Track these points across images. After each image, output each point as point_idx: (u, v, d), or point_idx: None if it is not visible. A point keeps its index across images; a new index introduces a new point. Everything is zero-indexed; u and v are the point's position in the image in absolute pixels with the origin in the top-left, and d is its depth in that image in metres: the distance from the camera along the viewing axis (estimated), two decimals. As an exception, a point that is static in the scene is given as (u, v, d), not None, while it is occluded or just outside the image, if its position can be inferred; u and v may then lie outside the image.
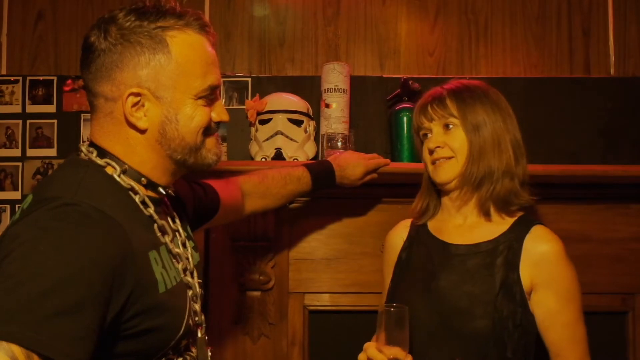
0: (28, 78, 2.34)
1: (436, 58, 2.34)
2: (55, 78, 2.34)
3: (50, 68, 2.36)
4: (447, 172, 1.49)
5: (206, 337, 1.28)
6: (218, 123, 1.24)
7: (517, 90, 2.27)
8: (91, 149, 1.17)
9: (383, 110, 2.26)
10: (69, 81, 2.33)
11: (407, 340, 1.36)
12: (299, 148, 2.08)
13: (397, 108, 2.11)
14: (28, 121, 2.33)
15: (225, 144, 2.26)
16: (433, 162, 1.52)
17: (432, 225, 1.59)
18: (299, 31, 2.35)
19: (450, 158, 1.49)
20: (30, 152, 2.32)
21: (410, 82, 2.10)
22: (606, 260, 2.05)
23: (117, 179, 1.15)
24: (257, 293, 2.04)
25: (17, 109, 2.34)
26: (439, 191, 1.59)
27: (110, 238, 1.03)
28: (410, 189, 1.67)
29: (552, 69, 2.33)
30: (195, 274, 1.27)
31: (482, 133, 1.47)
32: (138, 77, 1.14)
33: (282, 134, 2.06)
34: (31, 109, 2.33)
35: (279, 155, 2.05)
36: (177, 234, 1.27)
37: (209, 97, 1.20)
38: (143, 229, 1.15)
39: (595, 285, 2.04)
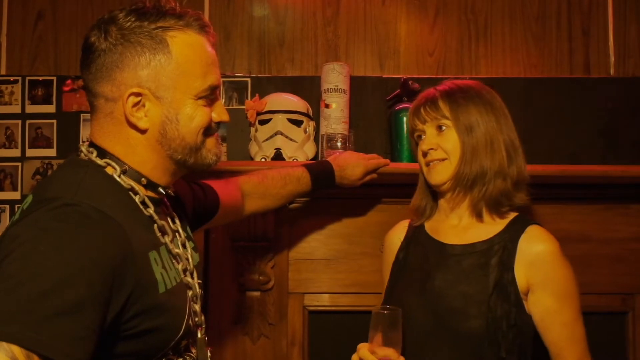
0: (28, 78, 2.34)
1: (436, 58, 2.34)
2: (54, 78, 2.34)
3: (50, 68, 2.35)
4: (440, 174, 1.50)
5: (206, 338, 1.28)
6: (218, 123, 1.24)
7: (517, 90, 2.27)
8: (91, 149, 1.17)
9: (383, 110, 2.26)
10: (69, 81, 2.33)
11: (400, 342, 1.36)
12: (299, 148, 2.08)
13: (396, 108, 2.11)
14: (27, 121, 2.33)
15: (225, 144, 2.25)
16: (427, 164, 1.52)
17: (429, 226, 1.59)
18: (298, 31, 2.35)
19: (443, 160, 1.49)
20: (30, 153, 2.32)
21: (410, 82, 2.10)
22: (606, 260, 2.05)
23: (117, 179, 1.15)
24: (256, 293, 2.04)
25: (16, 109, 2.34)
26: (434, 192, 1.59)
27: (110, 238, 1.03)
28: (410, 189, 1.67)
29: (552, 69, 2.33)
30: (195, 274, 1.27)
31: (475, 134, 1.47)
32: (138, 77, 1.14)
33: (281, 134, 2.06)
34: (31, 109, 2.33)
35: (278, 156, 2.05)
36: (177, 234, 1.27)
37: (209, 97, 1.20)
38: (143, 229, 1.15)
39: (595, 285, 2.04)
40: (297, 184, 1.77)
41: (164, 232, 1.20)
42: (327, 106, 2.14)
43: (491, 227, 1.49)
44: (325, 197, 1.97)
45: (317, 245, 2.07)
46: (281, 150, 2.05)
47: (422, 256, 1.55)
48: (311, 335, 2.07)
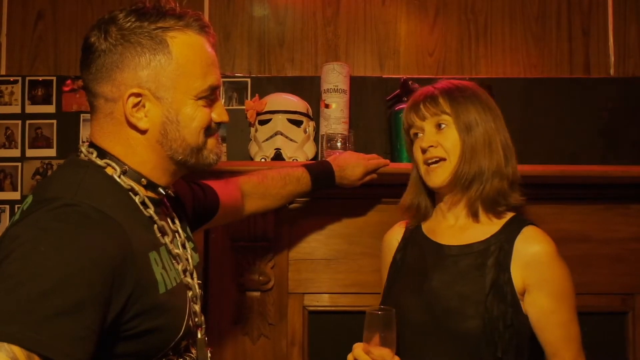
0: (27, 78, 2.34)
1: (436, 58, 2.34)
2: (54, 78, 2.34)
3: (50, 68, 2.35)
4: (440, 176, 1.49)
5: (206, 338, 1.29)
6: (219, 123, 1.24)
7: (517, 90, 2.27)
8: (91, 149, 1.17)
9: (383, 110, 2.26)
10: (69, 81, 2.33)
11: (394, 342, 1.36)
12: (299, 148, 2.08)
13: (396, 108, 2.11)
14: (27, 121, 2.33)
15: (224, 144, 2.25)
16: (425, 162, 1.51)
17: (426, 227, 1.59)
18: (298, 31, 2.35)
19: (442, 160, 1.48)
20: (30, 153, 2.32)
21: (410, 83, 2.10)
22: (606, 260, 2.05)
23: (117, 179, 1.15)
24: (256, 293, 2.04)
25: (16, 109, 2.34)
26: (430, 192, 1.59)
27: (110, 238, 1.03)
28: (410, 189, 1.66)
29: (552, 69, 2.33)
30: (194, 274, 1.27)
31: (474, 133, 1.47)
32: (138, 77, 1.14)
33: (281, 134, 2.06)
34: (30, 109, 2.33)
35: (278, 156, 2.05)
36: (176, 234, 1.27)
37: (209, 97, 1.20)
38: (143, 229, 1.15)
39: (595, 285, 2.04)
40: (297, 184, 1.77)
41: (164, 233, 1.20)
42: (327, 106, 2.14)
43: (488, 227, 1.49)
44: (325, 197, 1.97)
45: (317, 245, 2.07)
46: (281, 151, 2.05)
47: (419, 257, 1.55)
48: (311, 335, 2.07)
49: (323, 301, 2.07)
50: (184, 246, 1.28)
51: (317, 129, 2.17)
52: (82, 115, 2.31)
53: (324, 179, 1.82)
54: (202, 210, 1.54)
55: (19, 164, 2.32)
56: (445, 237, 1.52)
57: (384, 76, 2.31)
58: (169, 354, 1.16)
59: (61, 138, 2.31)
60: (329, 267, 2.07)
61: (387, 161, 1.92)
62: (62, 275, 0.95)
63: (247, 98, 2.28)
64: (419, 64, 2.34)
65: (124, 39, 1.13)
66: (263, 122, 2.10)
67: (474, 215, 1.50)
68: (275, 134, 2.07)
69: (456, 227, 1.52)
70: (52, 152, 2.32)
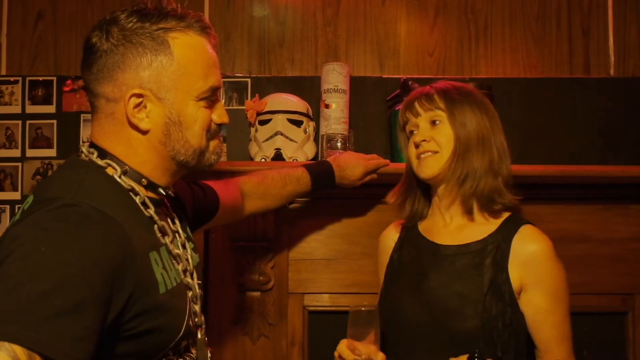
0: (28, 78, 2.34)
1: (436, 58, 2.34)
2: (54, 78, 2.34)
3: (50, 68, 2.35)
4: (431, 167, 1.49)
5: (206, 338, 1.29)
6: (220, 125, 1.24)
7: (517, 90, 2.27)
8: (92, 149, 1.17)
9: (383, 110, 2.26)
10: (69, 81, 2.33)
11: (379, 339, 1.36)
12: (299, 148, 2.08)
13: (396, 108, 2.11)
14: (28, 121, 2.33)
15: (225, 145, 2.25)
16: (418, 157, 1.51)
17: (423, 226, 1.59)
18: (298, 31, 2.35)
19: (435, 153, 1.48)
20: (30, 153, 2.32)
21: (410, 83, 2.10)
22: (606, 260, 2.05)
23: (118, 179, 1.15)
24: (256, 293, 2.04)
25: (16, 109, 2.34)
26: (427, 193, 1.59)
27: (111, 238, 1.04)
28: (410, 189, 1.67)
29: (552, 70, 2.33)
30: (194, 275, 1.28)
31: (468, 129, 1.47)
32: (140, 78, 1.14)
33: (281, 134, 2.06)
34: (31, 109, 2.33)
35: (278, 156, 2.05)
36: (177, 235, 1.27)
37: (210, 98, 1.20)
38: (143, 229, 1.16)
39: (595, 285, 2.04)
40: (297, 185, 1.77)
41: (164, 233, 1.21)
42: (327, 106, 2.14)
43: (485, 227, 1.49)
44: (325, 197, 1.97)
45: (317, 245, 2.08)
46: (281, 151, 2.06)
47: (416, 257, 1.55)
48: (311, 335, 2.07)
49: (323, 301, 2.07)
50: (184, 246, 1.28)
51: (317, 129, 2.17)
52: (82, 115, 2.31)
53: (324, 179, 1.82)
54: (202, 211, 1.54)
55: (19, 164, 2.32)
56: (442, 237, 1.53)
57: (384, 76, 2.31)
58: (169, 354, 1.16)
59: (61, 138, 2.31)
60: (329, 267, 2.07)
61: (387, 161, 1.92)
62: (62, 275, 0.95)
63: (247, 98, 2.28)
64: (419, 64, 2.34)
65: (126, 40, 1.13)
66: (263, 122, 2.10)
67: (469, 213, 1.50)
68: (276, 134, 2.07)
69: (453, 227, 1.53)
70: (52, 152, 2.32)
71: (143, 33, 1.14)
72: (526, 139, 2.23)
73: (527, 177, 1.85)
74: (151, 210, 1.18)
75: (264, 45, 2.35)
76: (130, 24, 1.14)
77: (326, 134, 2.07)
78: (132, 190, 1.16)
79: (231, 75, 2.32)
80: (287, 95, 2.17)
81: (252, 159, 2.13)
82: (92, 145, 1.19)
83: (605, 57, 2.33)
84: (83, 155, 1.18)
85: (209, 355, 1.29)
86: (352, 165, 1.84)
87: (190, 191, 1.51)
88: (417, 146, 1.51)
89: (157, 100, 1.15)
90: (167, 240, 1.21)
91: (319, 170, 1.82)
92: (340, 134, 2.06)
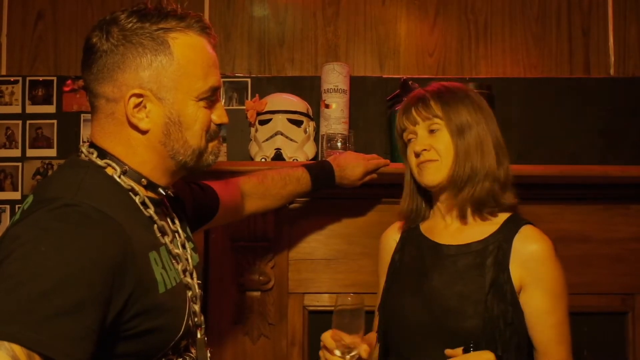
0: (28, 78, 2.34)
1: (436, 58, 2.34)
2: (55, 78, 2.34)
3: (50, 68, 2.36)
4: (432, 174, 1.50)
5: (206, 338, 1.29)
6: (219, 126, 1.24)
7: (517, 90, 2.27)
8: (92, 149, 1.18)
9: (383, 110, 2.26)
10: (69, 81, 2.33)
11: (363, 329, 1.36)
12: (299, 148, 2.08)
13: (396, 108, 2.10)
14: (28, 121, 2.33)
15: (225, 145, 2.26)
16: (418, 165, 1.52)
17: (424, 226, 1.60)
18: (298, 31, 2.35)
19: (435, 161, 1.49)
20: (30, 153, 2.32)
21: (410, 83, 2.10)
22: (606, 260, 2.05)
23: (118, 179, 1.15)
24: (256, 293, 2.04)
25: (16, 109, 2.34)
26: (426, 195, 1.59)
27: (111, 238, 1.04)
28: (410, 189, 1.66)
29: (552, 70, 2.33)
30: (194, 274, 1.28)
31: (466, 135, 1.48)
32: (140, 78, 1.14)
33: (281, 134, 2.06)
34: (31, 109, 2.34)
35: (278, 156, 2.05)
36: (176, 234, 1.27)
37: (210, 98, 1.20)
38: (143, 229, 1.16)
39: (595, 285, 2.04)
40: (297, 184, 1.77)
41: (163, 233, 1.21)
42: (327, 106, 2.14)
43: (486, 227, 1.49)
44: (325, 197, 1.97)
45: (317, 245, 2.08)
46: (281, 151, 2.06)
47: (418, 257, 1.55)
48: (311, 335, 2.07)
49: (323, 301, 2.07)
50: (183, 246, 1.28)
51: (317, 129, 2.17)
52: (82, 115, 2.31)
53: (324, 179, 1.82)
54: (202, 211, 1.54)
55: (20, 164, 2.32)
56: (444, 237, 1.53)
57: (384, 76, 2.31)
58: (168, 353, 1.16)
59: (61, 138, 2.32)
60: (329, 267, 2.07)
61: (387, 161, 1.92)
62: (62, 275, 0.95)
63: (247, 98, 2.28)
64: (419, 64, 2.34)
65: (126, 40, 1.13)
66: (263, 122, 2.10)
67: (463, 217, 1.51)
68: (276, 134, 2.07)
69: (454, 227, 1.53)
70: (52, 152, 2.32)
71: (143, 33, 1.14)
72: (526, 139, 2.23)
73: (527, 177, 1.85)
74: (151, 210, 1.18)
75: (264, 45, 2.35)
76: (130, 24, 1.14)
77: (326, 134, 2.07)
78: (132, 190, 1.16)
79: (231, 75, 2.32)
80: (287, 95, 2.17)
81: (252, 159, 2.13)
82: (92, 145, 1.19)
83: (605, 57, 2.33)
84: (83, 155, 1.18)
85: (209, 355, 1.29)
86: (352, 165, 1.84)
87: (190, 191, 1.51)
88: (417, 155, 1.52)
89: (157, 100, 1.15)
90: (167, 240, 1.21)
91: (319, 170, 1.82)
92: (340, 134, 2.06)
